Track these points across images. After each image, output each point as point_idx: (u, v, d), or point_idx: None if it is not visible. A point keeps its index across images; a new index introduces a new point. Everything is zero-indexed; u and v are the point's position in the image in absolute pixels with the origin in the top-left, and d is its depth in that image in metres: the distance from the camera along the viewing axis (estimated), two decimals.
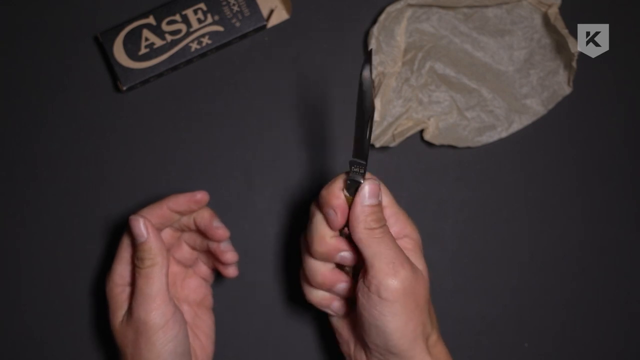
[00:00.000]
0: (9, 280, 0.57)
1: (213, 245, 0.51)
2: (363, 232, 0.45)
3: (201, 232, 0.51)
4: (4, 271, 0.57)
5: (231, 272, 0.52)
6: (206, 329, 0.53)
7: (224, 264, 0.52)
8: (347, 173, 0.46)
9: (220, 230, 0.50)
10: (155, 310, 0.47)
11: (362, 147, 0.44)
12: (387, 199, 0.48)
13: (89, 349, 0.57)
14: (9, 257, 0.57)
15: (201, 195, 0.50)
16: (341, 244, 0.47)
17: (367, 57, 0.42)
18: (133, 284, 0.50)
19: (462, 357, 0.58)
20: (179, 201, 0.50)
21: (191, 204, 0.50)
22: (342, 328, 0.50)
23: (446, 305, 0.58)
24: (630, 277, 0.59)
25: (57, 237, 0.57)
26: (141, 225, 0.48)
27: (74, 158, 0.58)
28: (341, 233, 0.48)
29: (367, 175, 0.45)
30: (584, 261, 0.59)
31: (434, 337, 0.47)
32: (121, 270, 0.50)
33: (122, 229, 0.58)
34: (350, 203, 0.45)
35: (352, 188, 0.45)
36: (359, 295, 0.45)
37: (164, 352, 0.47)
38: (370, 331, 0.45)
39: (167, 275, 0.48)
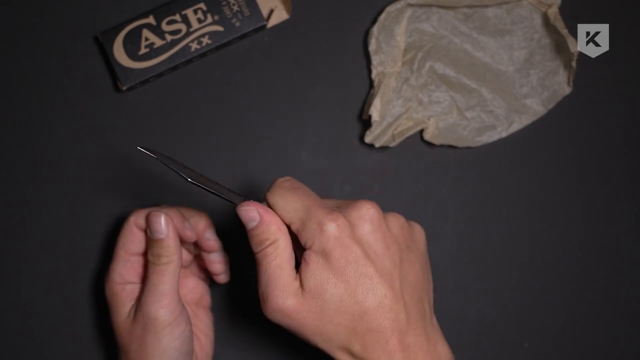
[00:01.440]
0: (9, 280, 0.57)
1: (203, 254, 0.51)
2: (257, 254, 0.45)
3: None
4: (4, 271, 0.57)
5: (220, 279, 0.53)
6: (205, 329, 0.53)
7: (212, 273, 0.52)
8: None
9: (210, 242, 0.50)
10: (166, 307, 0.47)
11: (226, 192, 0.45)
12: (288, 217, 0.44)
13: (88, 348, 0.57)
14: (9, 257, 0.57)
15: (190, 234, 0.50)
16: None
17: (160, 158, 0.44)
18: (134, 283, 0.50)
19: (462, 357, 0.58)
20: (175, 220, 0.50)
21: (181, 231, 0.50)
22: None
23: (446, 305, 0.58)
24: (630, 277, 0.59)
25: (57, 237, 0.57)
26: (162, 221, 0.47)
27: (74, 158, 0.58)
28: None
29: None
30: (584, 261, 0.59)
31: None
32: (120, 268, 0.50)
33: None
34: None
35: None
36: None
37: (169, 349, 0.47)
38: None
39: (179, 274, 0.48)
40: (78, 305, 0.57)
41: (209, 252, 0.51)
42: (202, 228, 0.50)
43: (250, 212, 0.44)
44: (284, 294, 0.43)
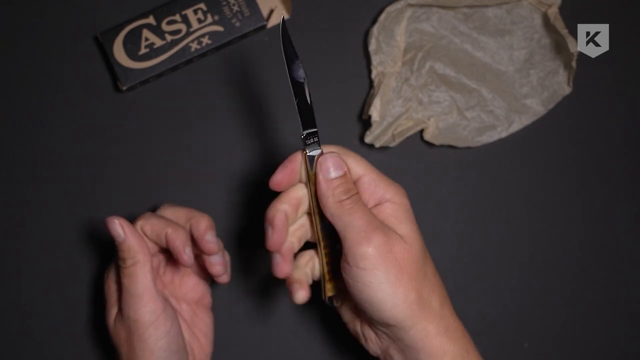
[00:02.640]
0: (9, 280, 0.57)
1: (204, 255, 0.51)
2: (333, 206, 0.44)
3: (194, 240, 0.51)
4: (4, 271, 0.57)
5: (221, 280, 0.53)
6: (204, 328, 0.53)
7: (212, 274, 0.52)
8: (303, 150, 0.45)
9: (210, 244, 0.50)
10: (144, 308, 0.47)
11: (308, 115, 0.45)
12: (361, 167, 0.46)
13: (88, 348, 0.57)
14: (9, 257, 0.57)
15: (187, 258, 0.49)
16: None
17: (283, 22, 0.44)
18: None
19: None
20: (176, 236, 0.50)
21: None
22: (344, 311, 0.49)
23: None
24: (630, 277, 0.59)
25: (57, 237, 0.57)
26: (117, 225, 0.47)
27: (74, 158, 0.58)
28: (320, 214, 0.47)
29: (326, 147, 0.45)
30: (584, 261, 0.59)
31: (437, 303, 0.45)
32: (114, 270, 0.50)
33: None
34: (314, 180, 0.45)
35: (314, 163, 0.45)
36: (344, 274, 0.44)
37: (156, 349, 0.47)
38: (364, 307, 0.44)
39: (151, 271, 0.48)
40: (78, 305, 0.57)
41: (209, 254, 0.51)
42: (202, 230, 0.50)
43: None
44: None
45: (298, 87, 0.44)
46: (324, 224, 0.46)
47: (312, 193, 0.45)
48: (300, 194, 0.46)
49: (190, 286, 0.53)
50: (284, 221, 0.45)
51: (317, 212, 0.46)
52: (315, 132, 0.45)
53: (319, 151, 0.45)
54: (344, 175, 0.44)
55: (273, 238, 0.45)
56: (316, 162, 0.45)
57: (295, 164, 0.45)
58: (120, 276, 0.48)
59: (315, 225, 0.46)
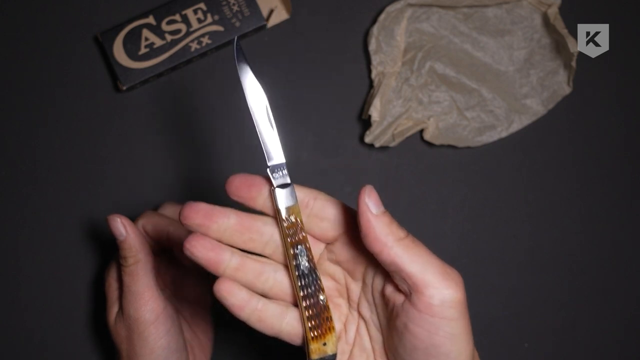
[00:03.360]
0: (9, 280, 0.57)
1: None
2: (395, 245, 0.37)
3: None
4: (4, 271, 0.57)
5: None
6: (205, 327, 0.53)
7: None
8: (270, 185, 0.40)
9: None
10: (144, 307, 0.47)
11: (273, 145, 0.40)
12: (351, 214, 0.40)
13: (89, 346, 0.57)
14: (9, 257, 0.57)
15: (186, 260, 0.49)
16: None
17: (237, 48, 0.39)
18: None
19: None
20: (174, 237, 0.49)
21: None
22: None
23: None
24: (630, 277, 0.59)
25: (57, 237, 0.57)
26: (118, 224, 0.47)
27: (74, 158, 0.58)
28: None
29: (365, 188, 0.38)
30: (584, 261, 0.59)
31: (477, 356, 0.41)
32: (114, 269, 0.50)
33: None
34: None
35: (287, 196, 0.39)
36: (410, 328, 0.37)
37: (157, 348, 0.47)
38: (422, 356, 0.38)
39: (152, 270, 0.48)
40: (78, 304, 0.57)
41: None
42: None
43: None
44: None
45: (258, 114, 0.39)
46: (301, 272, 0.39)
47: (283, 235, 0.39)
48: (268, 230, 0.40)
49: (191, 285, 0.54)
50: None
51: (294, 260, 0.39)
52: (283, 164, 0.40)
53: (288, 182, 0.40)
54: (387, 211, 0.38)
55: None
56: (360, 199, 0.37)
57: (259, 187, 0.40)
58: (122, 274, 0.48)
59: (292, 275, 0.40)
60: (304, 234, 0.39)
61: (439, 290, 0.37)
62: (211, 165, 0.59)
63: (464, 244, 0.59)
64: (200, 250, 0.38)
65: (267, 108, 0.40)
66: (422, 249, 0.38)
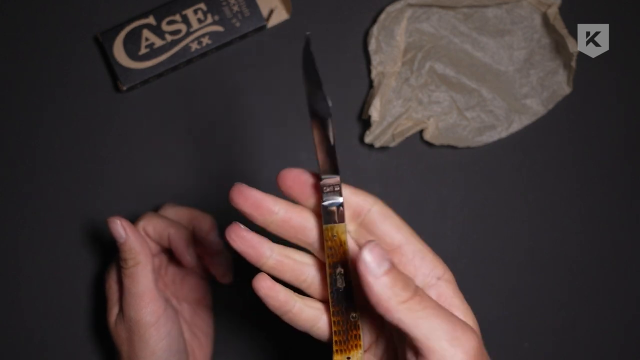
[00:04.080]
0: (9, 280, 0.57)
1: (205, 255, 0.51)
2: (399, 310, 0.34)
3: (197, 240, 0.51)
4: (4, 271, 0.57)
5: (223, 280, 0.53)
6: (205, 328, 0.53)
7: (215, 274, 0.52)
8: (321, 200, 0.37)
9: (213, 245, 0.50)
10: (145, 309, 0.47)
11: (330, 158, 0.36)
12: (403, 233, 0.38)
13: (89, 347, 0.57)
14: (9, 257, 0.57)
15: (188, 260, 0.49)
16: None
17: (306, 44, 0.35)
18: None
19: None
20: (178, 242, 0.49)
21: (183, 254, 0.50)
22: None
23: None
24: (630, 277, 0.59)
25: (57, 237, 0.57)
26: (118, 226, 0.47)
27: (74, 158, 0.58)
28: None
29: (369, 244, 0.35)
30: (584, 261, 0.59)
31: None
32: (115, 269, 0.50)
33: None
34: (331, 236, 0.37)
35: (331, 215, 0.37)
36: None
37: (157, 350, 0.47)
38: None
39: (152, 272, 0.48)
40: (78, 304, 0.57)
41: (212, 255, 0.51)
42: (206, 230, 0.50)
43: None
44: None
45: (320, 124, 0.36)
46: (335, 289, 0.38)
47: (324, 248, 0.38)
48: (314, 234, 0.39)
49: (192, 286, 0.54)
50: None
51: (330, 278, 0.38)
52: (338, 181, 0.37)
53: (339, 201, 0.37)
54: (392, 266, 0.35)
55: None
56: (358, 258, 0.34)
57: (306, 193, 0.38)
58: (122, 276, 0.48)
59: (328, 289, 0.38)
60: (344, 253, 0.38)
61: (445, 357, 0.34)
62: (211, 165, 0.59)
63: (464, 244, 0.59)
64: (239, 244, 0.38)
65: (330, 120, 0.36)
66: (429, 311, 0.35)
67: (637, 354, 0.59)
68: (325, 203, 0.37)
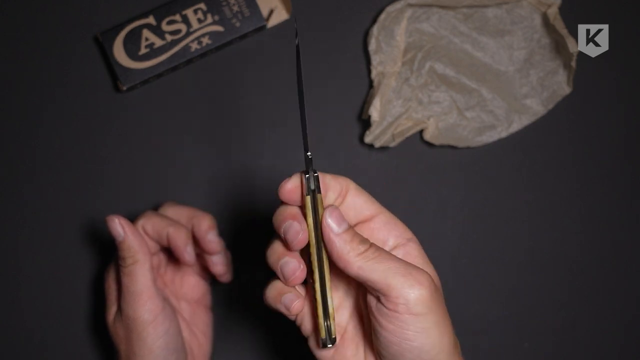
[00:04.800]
0: (9, 281, 0.57)
1: (205, 255, 0.52)
2: (357, 260, 0.40)
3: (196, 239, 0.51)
4: (4, 271, 0.57)
5: (222, 279, 0.53)
6: (204, 328, 0.53)
7: (214, 273, 0.52)
8: (303, 172, 0.41)
9: (212, 244, 0.50)
10: (143, 307, 0.47)
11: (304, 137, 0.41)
12: (375, 205, 0.44)
13: (88, 347, 0.57)
14: (9, 257, 0.57)
15: (188, 257, 0.49)
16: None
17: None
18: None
19: None
20: (177, 237, 0.49)
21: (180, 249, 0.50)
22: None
23: (446, 306, 0.58)
24: (630, 277, 0.59)
25: (57, 237, 0.57)
26: (117, 225, 0.47)
27: (74, 158, 0.58)
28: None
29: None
30: (584, 261, 0.59)
31: (458, 345, 0.43)
32: (116, 268, 0.50)
33: None
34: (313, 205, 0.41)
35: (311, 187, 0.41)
36: (383, 325, 0.40)
37: (155, 348, 0.47)
38: (403, 355, 0.40)
39: (150, 270, 0.48)
40: (77, 304, 0.57)
41: (211, 254, 0.51)
42: (204, 229, 0.50)
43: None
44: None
45: (302, 110, 0.42)
46: (320, 254, 0.42)
47: (307, 219, 0.42)
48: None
49: (191, 285, 0.54)
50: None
51: (315, 242, 0.42)
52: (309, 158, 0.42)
53: (315, 175, 0.41)
54: (350, 227, 0.41)
55: (301, 236, 0.41)
56: (322, 219, 0.40)
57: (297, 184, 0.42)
58: (120, 275, 0.48)
59: (312, 255, 0.42)
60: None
61: (402, 290, 0.39)
62: (211, 165, 0.59)
63: (464, 244, 0.59)
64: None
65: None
66: (384, 257, 0.40)
67: (637, 354, 0.59)
68: (304, 178, 0.41)
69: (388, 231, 0.44)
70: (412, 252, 0.43)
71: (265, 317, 0.58)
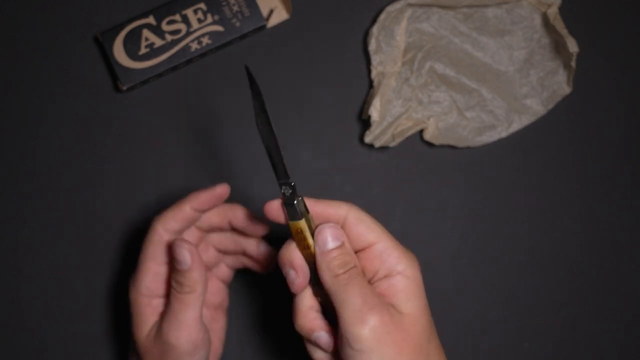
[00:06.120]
0: (9, 281, 0.57)
1: (250, 247, 0.51)
2: (329, 280, 0.41)
3: (238, 232, 0.50)
4: (4, 271, 0.57)
5: (267, 269, 0.52)
6: (219, 332, 0.52)
7: (261, 264, 0.51)
8: (282, 199, 0.43)
9: (259, 229, 0.49)
10: (187, 337, 0.45)
11: (282, 166, 0.43)
12: (375, 233, 0.43)
13: (88, 348, 0.57)
14: (9, 257, 0.57)
15: (221, 190, 0.48)
16: (316, 322, 0.44)
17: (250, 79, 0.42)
18: (161, 296, 0.48)
19: (462, 357, 0.58)
20: (201, 200, 0.47)
21: (213, 200, 0.48)
22: None
23: (446, 306, 0.58)
24: (630, 277, 0.59)
25: (57, 237, 0.57)
26: (185, 252, 0.45)
27: (74, 158, 0.58)
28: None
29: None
30: (584, 261, 0.59)
31: None
32: (148, 282, 0.47)
33: (121, 229, 0.58)
34: (297, 230, 0.42)
35: (293, 212, 0.42)
36: (340, 351, 0.41)
37: None
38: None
39: (203, 301, 0.46)
40: (77, 303, 0.57)
41: (259, 235, 0.50)
42: (243, 216, 0.49)
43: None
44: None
45: (270, 136, 0.43)
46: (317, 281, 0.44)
47: (307, 240, 0.43)
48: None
49: (212, 292, 0.52)
50: (303, 261, 0.43)
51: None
52: (290, 183, 0.43)
53: (294, 201, 0.42)
54: (342, 246, 0.42)
55: (298, 281, 0.43)
56: (315, 232, 0.42)
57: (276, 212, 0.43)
58: (171, 298, 0.46)
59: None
60: (308, 245, 0.43)
61: (346, 325, 0.40)
62: (211, 165, 0.59)
63: (464, 244, 0.59)
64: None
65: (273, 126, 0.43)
66: (353, 286, 0.41)
67: (637, 354, 0.59)
68: (287, 203, 0.43)
69: (381, 262, 0.43)
70: (398, 285, 0.42)
71: (265, 317, 0.58)
